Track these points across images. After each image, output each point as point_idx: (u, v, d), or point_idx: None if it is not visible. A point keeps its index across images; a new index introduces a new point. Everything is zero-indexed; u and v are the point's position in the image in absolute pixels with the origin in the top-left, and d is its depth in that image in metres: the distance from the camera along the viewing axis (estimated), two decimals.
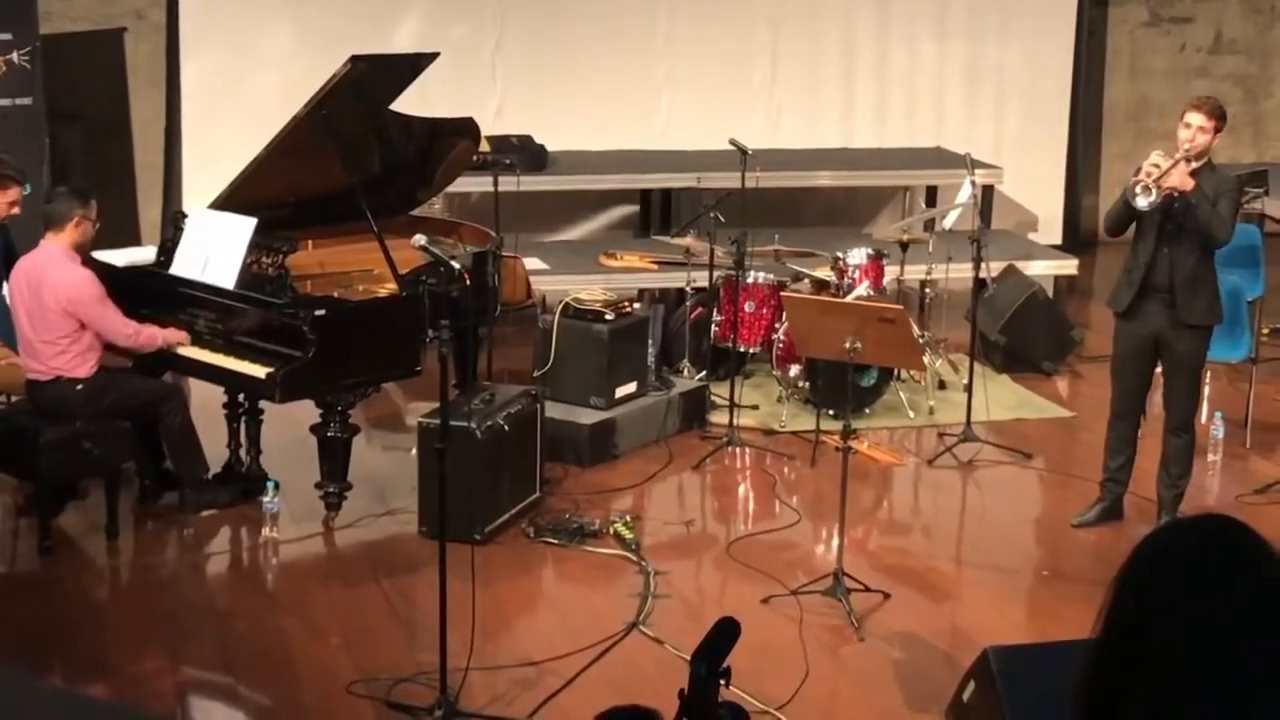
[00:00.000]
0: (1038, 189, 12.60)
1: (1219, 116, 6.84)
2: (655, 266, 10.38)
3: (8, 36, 9.85)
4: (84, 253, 7.23)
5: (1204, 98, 6.99)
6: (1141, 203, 6.75)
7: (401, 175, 8.07)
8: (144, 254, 7.91)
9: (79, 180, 8.59)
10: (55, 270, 7.00)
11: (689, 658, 2.68)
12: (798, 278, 9.35)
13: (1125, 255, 7.14)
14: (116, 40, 11.02)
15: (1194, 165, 6.79)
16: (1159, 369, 7.24)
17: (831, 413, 8.46)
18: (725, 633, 2.57)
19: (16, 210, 7.65)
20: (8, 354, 7.49)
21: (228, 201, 7.51)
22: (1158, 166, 6.73)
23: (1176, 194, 6.76)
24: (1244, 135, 13.18)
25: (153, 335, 7.19)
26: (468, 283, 7.09)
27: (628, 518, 7.35)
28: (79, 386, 7.04)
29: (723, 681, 2.57)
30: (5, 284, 7.68)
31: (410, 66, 7.78)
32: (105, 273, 7.38)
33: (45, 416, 7.02)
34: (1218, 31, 13.15)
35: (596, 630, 6.25)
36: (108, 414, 7.07)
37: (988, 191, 11.39)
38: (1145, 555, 2.12)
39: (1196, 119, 6.80)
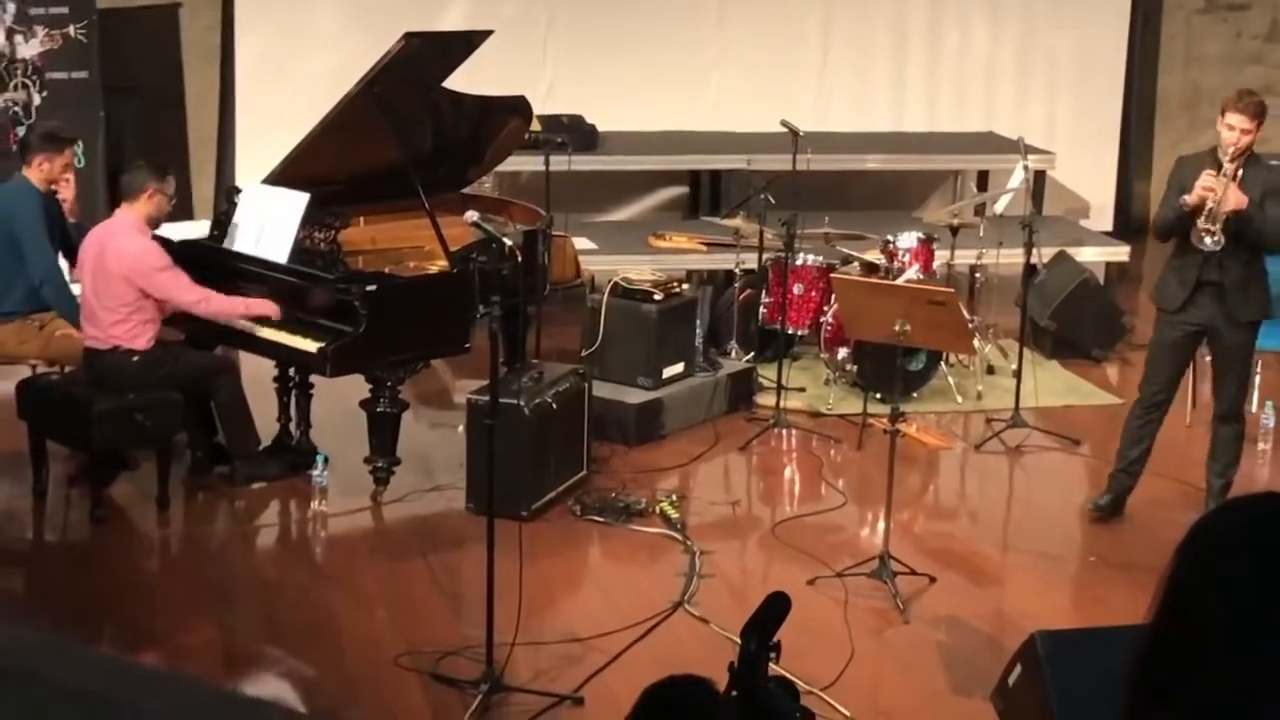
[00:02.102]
0: (1090, 175, 12.52)
1: (1260, 115, 6.80)
2: (704, 248, 10.38)
3: (65, 10, 9.91)
4: (156, 226, 7.28)
5: (1244, 96, 6.88)
6: (1209, 244, 6.72)
7: (453, 153, 8.08)
8: (197, 228, 7.96)
9: (151, 155, 8.61)
10: (121, 239, 7.06)
11: (739, 632, 2.69)
12: (847, 260, 9.33)
13: (1171, 252, 7.08)
14: (172, 15, 11.07)
15: (1239, 172, 6.73)
16: (1192, 362, 7.19)
17: (879, 396, 8.45)
18: (776, 607, 2.59)
19: (70, 175, 7.70)
20: (62, 325, 7.55)
21: (281, 177, 7.55)
22: (1213, 191, 6.68)
23: (1233, 214, 6.71)
24: None
25: (230, 304, 7.18)
26: (518, 261, 7.11)
27: (674, 497, 7.36)
28: (135, 358, 7.10)
29: (772, 656, 2.59)
30: (60, 255, 7.75)
31: (463, 44, 7.80)
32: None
33: (99, 386, 7.09)
34: (1273, 19, 13.02)
35: (642, 608, 6.27)
36: (162, 386, 7.13)
37: (1040, 177, 11.33)
38: (1202, 534, 2.11)
39: (1240, 121, 6.76)
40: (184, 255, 7.48)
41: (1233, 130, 6.76)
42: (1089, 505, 7.37)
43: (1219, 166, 6.75)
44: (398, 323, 7.10)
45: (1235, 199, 6.68)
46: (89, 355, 7.19)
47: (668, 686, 2.35)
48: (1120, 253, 11.27)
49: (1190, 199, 6.72)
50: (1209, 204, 6.68)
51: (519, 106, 8.18)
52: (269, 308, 7.19)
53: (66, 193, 7.68)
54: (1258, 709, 2.01)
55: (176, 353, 7.34)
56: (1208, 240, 6.70)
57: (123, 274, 7.03)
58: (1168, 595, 2.10)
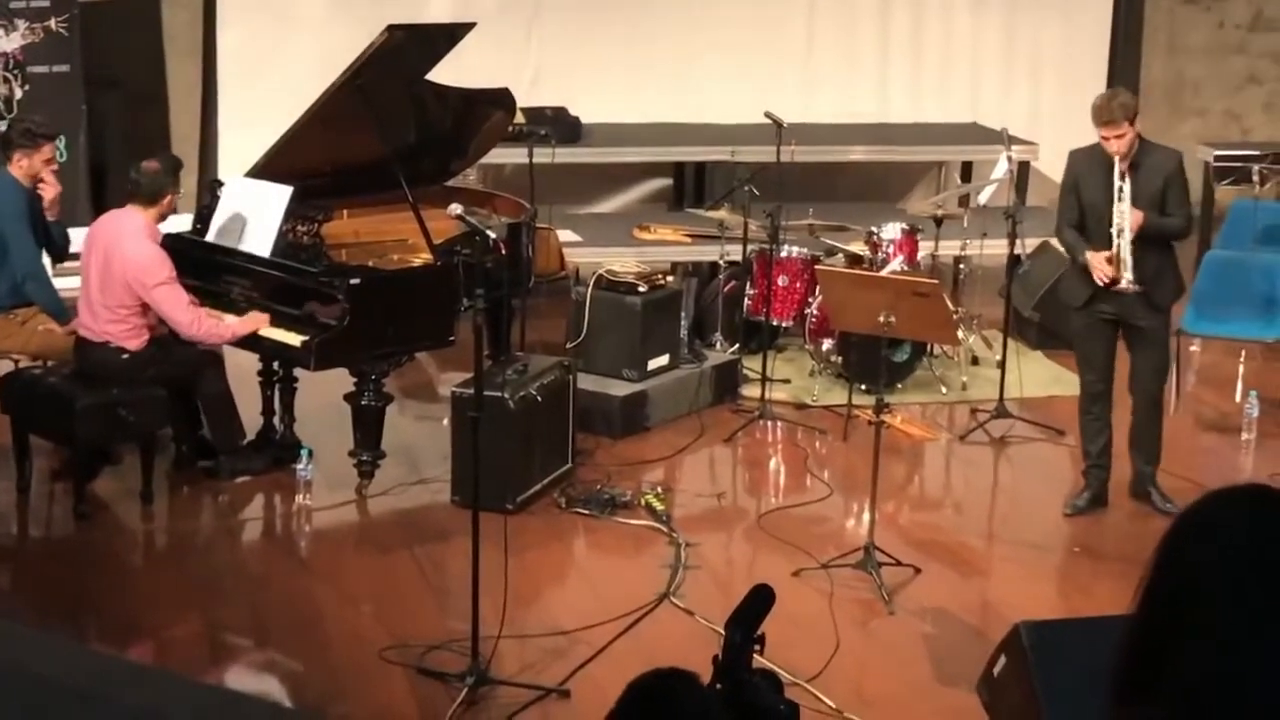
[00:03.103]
0: None
1: (1127, 113, 6.83)
2: (689, 239, 10.37)
3: (46, 3, 9.89)
4: (163, 221, 7.25)
5: (1108, 105, 6.87)
6: (1133, 289, 6.86)
7: (437, 145, 8.07)
8: (180, 222, 7.93)
9: (134, 149, 8.58)
10: (130, 243, 7.03)
11: (723, 625, 2.69)
12: (831, 252, 9.33)
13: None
14: (154, 8, 11.03)
15: (1127, 186, 6.81)
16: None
17: (864, 387, 8.45)
18: (760, 599, 2.59)
19: (54, 167, 7.66)
20: (44, 320, 7.53)
21: (264, 170, 7.53)
22: (1113, 259, 6.84)
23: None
24: None
25: (218, 330, 7.13)
26: (502, 253, 7.10)
27: (659, 489, 7.36)
28: (125, 356, 7.09)
29: (757, 648, 2.58)
30: (44, 252, 7.73)
31: (447, 36, 7.78)
32: None
33: (85, 379, 7.07)
34: (1257, 9, 13.04)
35: (627, 600, 6.27)
36: (148, 382, 7.11)
37: (1023, 167, 11.34)
38: (1186, 524, 2.12)
39: (1111, 130, 6.84)
40: (167, 250, 7.46)
41: (1109, 141, 6.84)
42: (1066, 509, 7.34)
43: (1110, 161, 6.85)
44: (381, 316, 7.09)
45: (1134, 222, 6.80)
46: (80, 343, 7.19)
47: (653, 680, 2.34)
48: None
49: (1095, 275, 6.90)
50: (1114, 248, 6.81)
51: (502, 99, 8.17)
52: (255, 325, 7.17)
53: (49, 192, 7.62)
54: (1237, 696, 2.02)
55: (166, 351, 7.30)
56: (1130, 290, 6.87)
57: (125, 280, 7.01)
58: (1150, 585, 2.11)
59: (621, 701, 2.35)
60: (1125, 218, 6.80)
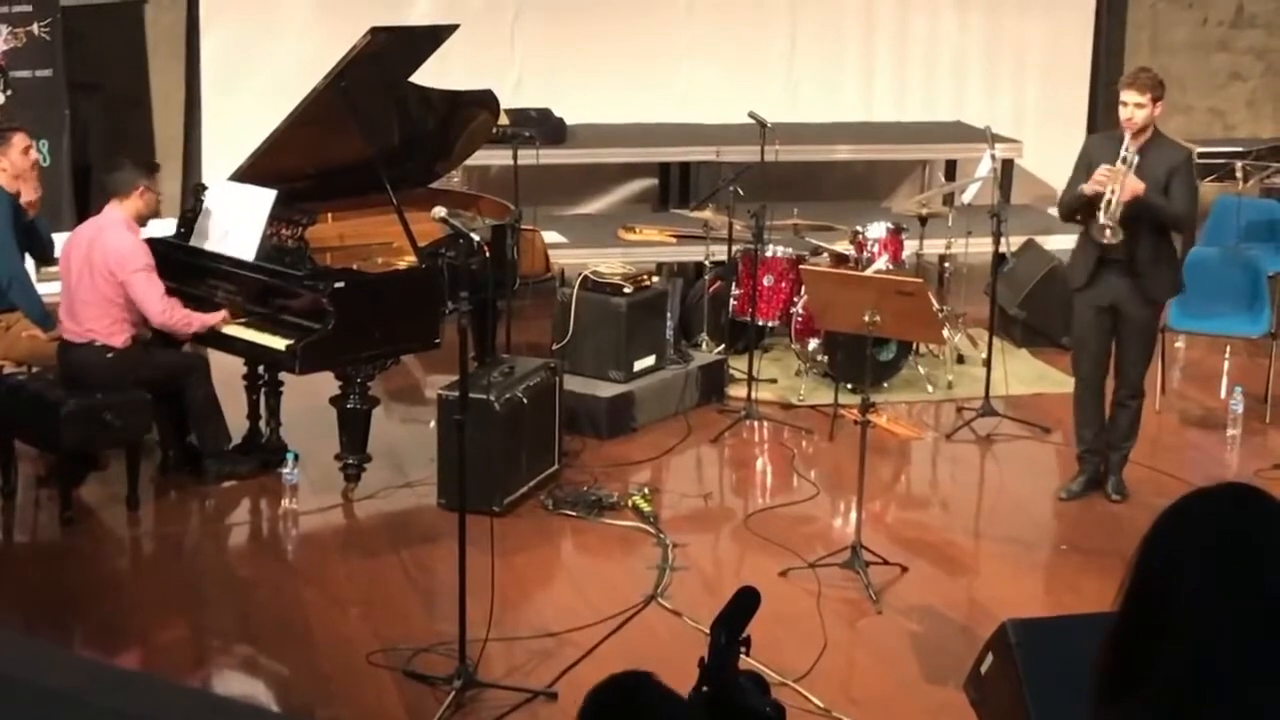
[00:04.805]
0: (1058, 163, 12.45)
1: (1154, 88, 6.88)
2: (674, 240, 10.38)
3: (28, 8, 9.86)
4: (145, 224, 7.26)
5: (1138, 72, 7.01)
6: (1108, 238, 6.84)
7: (421, 148, 8.06)
8: (164, 226, 7.92)
9: (117, 153, 8.56)
10: (110, 234, 7.07)
11: (709, 627, 2.69)
12: (816, 251, 9.34)
13: (1080, 233, 7.17)
14: (136, 12, 11.01)
15: (1135, 158, 6.80)
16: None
17: (850, 386, 8.46)
18: (745, 601, 2.59)
19: (35, 156, 7.61)
20: (28, 325, 7.52)
21: (247, 173, 7.52)
22: (1108, 181, 6.78)
23: (1131, 201, 6.81)
24: (1265, 109, 13.12)
25: (187, 319, 7.17)
26: (487, 255, 7.09)
27: (646, 490, 7.36)
28: (110, 355, 7.08)
29: (743, 650, 2.58)
30: (30, 254, 7.71)
31: (430, 38, 7.77)
32: None
33: (70, 382, 7.05)
34: (1239, 5, 13.07)
35: (615, 602, 6.27)
36: (133, 386, 7.10)
37: (1007, 165, 11.35)
38: (1168, 522, 2.13)
39: (1131, 96, 6.88)
40: (151, 253, 7.46)
41: (1126, 106, 6.88)
42: (1061, 494, 7.36)
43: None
44: (366, 319, 7.09)
45: (1132, 187, 6.80)
46: (63, 347, 7.18)
47: (616, 685, 2.31)
48: None
49: (1087, 188, 6.87)
50: (1107, 195, 6.77)
51: (486, 100, 8.16)
52: (218, 318, 7.20)
53: (30, 192, 7.59)
54: (1216, 693, 2.03)
55: (151, 354, 7.29)
56: (1107, 234, 6.85)
57: (107, 269, 7.02)
58: (1133, 583, 2.12)
59: (585, 709, 2.31)
60: (1125, 176, 6.77)
